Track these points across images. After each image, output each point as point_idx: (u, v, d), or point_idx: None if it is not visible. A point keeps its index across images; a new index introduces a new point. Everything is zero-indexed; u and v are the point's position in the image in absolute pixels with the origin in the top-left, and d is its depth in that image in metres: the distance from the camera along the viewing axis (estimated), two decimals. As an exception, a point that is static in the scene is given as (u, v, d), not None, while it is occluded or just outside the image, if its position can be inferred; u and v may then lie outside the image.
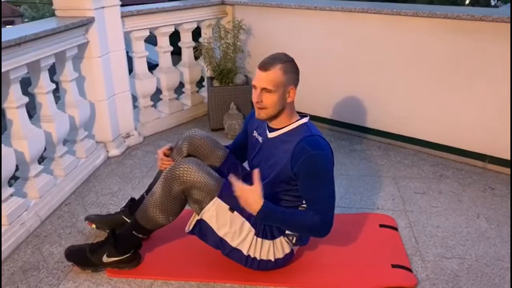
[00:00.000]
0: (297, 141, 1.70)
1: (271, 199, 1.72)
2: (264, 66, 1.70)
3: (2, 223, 2.10)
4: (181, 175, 1.75)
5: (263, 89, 1.70)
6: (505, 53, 2.61)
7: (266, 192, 1.67)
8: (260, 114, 1.75)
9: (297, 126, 1.78)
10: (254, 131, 1.94)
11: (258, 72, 1.72)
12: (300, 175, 1.71)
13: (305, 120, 1.80)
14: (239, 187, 1.65)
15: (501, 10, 2.99)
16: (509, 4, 10.35)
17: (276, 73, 1.69)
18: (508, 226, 2.26)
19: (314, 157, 1.68)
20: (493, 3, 11.52)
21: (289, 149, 1.72)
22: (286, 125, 1.79)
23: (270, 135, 1.83)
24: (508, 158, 2.75)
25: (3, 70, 2.04)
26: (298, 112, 1.83)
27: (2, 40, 1.98)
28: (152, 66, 3.48)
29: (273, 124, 1.81)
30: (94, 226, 2.19)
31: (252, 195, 1.63)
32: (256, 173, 1.64)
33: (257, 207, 1.63)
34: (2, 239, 2.06)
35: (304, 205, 1.81)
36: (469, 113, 2.86)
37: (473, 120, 2.85)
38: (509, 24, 2.56)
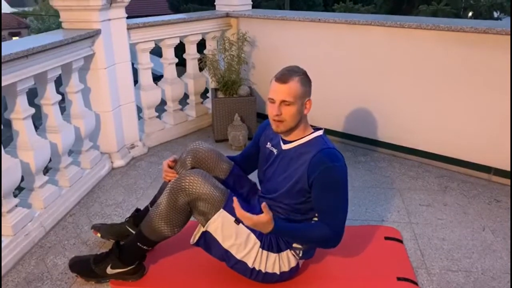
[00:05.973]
0: (314, 153, 1.71)
1: (285, 210, 1.76)
2: (283, 78, 1.69)
3: (7, 233, 2.10)
4: (187, 187, 1.74)
5: (283, 101, 1.69)
6: (509, 64, 2.62)
7: (282, 203, 1.76)
8: (279, 127, 1.74)
9: (312, 138, 1.78)
10: (268, 143, 1.93)
11: (276, 85, 1.70)
12: (316, 186, 1.71)
13: (320, 132, 1.81)
14: (248, 219, 1.61)
15: (504, 23, 2.99)
16: (512, 16, 10.39)
17: (294, 85, 1.69)
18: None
19: (332, 169, 1.69)
20: (495, 15, 11.54)
21: (306, 160, 1.72)
22: (301, 137, 1.79)
23: (285, 147, 1.83)
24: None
25: (10, 81, 2.06)
26: (311, 125, 1.84)
27: (10, 52, 2.00)
28: (156, 77, 3.50)
29: (288, 137, 1.81)
30: (99, 235, 2.19)
31: (262, 225, 1.62)
32: (264, 207, 1.60)
33: (268, 230, 1.64)
34: (7, 249, 2.06)
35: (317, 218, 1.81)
36: (474, 124, 2.86)
37: (478, 132, 2.85)
38: (513, 37, 2.57)
